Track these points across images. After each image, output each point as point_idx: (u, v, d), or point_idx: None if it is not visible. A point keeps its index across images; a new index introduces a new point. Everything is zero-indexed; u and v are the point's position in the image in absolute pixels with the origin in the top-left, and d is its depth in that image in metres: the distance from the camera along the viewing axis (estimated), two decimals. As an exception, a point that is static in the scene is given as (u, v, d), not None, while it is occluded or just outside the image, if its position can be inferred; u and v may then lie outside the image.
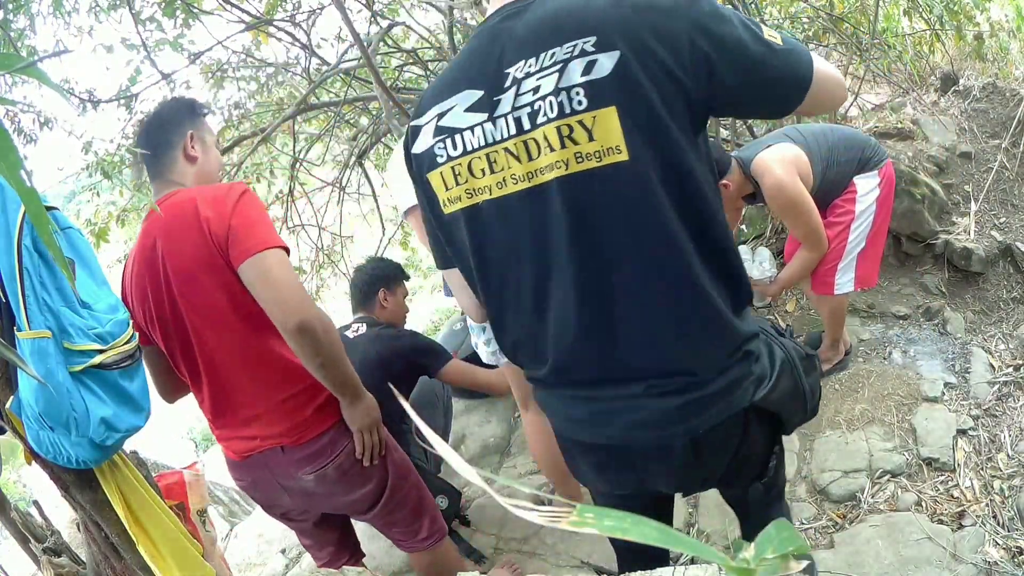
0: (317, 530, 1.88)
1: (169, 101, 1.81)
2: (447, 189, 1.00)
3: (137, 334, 1.49)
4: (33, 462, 1.49)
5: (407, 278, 2.63)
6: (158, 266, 1.53)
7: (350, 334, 2.35)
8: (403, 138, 1.08)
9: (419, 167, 1.03)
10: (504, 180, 0.94)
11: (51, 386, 1.29)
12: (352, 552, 1.98)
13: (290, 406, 1.59)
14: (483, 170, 0.95)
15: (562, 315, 0.98)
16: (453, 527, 2.45)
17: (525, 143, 0.91)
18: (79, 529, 1.66)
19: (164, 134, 1.59)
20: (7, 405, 1.38)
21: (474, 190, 0.97)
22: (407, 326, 2.60)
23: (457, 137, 0.95)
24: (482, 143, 0.94)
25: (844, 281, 2.56)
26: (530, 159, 0.91)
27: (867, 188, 2.44)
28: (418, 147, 1.01)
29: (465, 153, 0.95)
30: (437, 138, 0.97)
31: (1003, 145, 3.41)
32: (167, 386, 1.74)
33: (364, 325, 2.37)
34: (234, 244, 1.44)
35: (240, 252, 1.44)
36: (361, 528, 2.62)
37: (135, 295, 1.60)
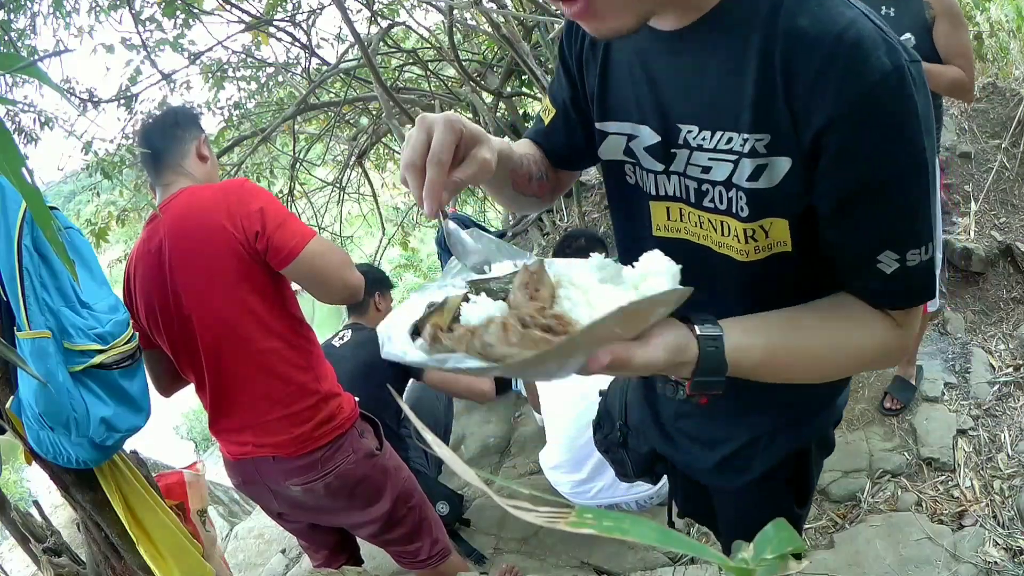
0: (311, 532, 1.87)
1: (177, 107, 1.87)
2: None
3: (137, 334, 1.49)
4: (33, 462, 1.49)
5: (392, 287, 2.68)
6: (164, 269, 1.52)
7: (336, 342, 2.35)
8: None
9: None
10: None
11: (51, 386, 1.29)
12: (349, 556, 1.97)
13: (289, 422, 1.57)
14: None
15: None
16: (453, 527, 2.45)
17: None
18: (79, 529, 1.66)
19: (178, 129, 1.63)
20: (7, 405, 1.38)
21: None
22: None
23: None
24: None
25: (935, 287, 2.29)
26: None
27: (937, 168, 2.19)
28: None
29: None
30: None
31: (1003, 145, 3.41)
32: (164, 382, 1.74)
33: (350, 332, 2.37)
34: (273, 252, 1.48)
35: (283, 258, 1.48)
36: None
37: (139, 296, 1.59)
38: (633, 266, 0.65)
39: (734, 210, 0.76)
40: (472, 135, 0.71)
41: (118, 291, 1.59)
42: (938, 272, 0.75)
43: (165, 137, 1.61)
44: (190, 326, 1.54)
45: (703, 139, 0.75)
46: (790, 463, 1.01)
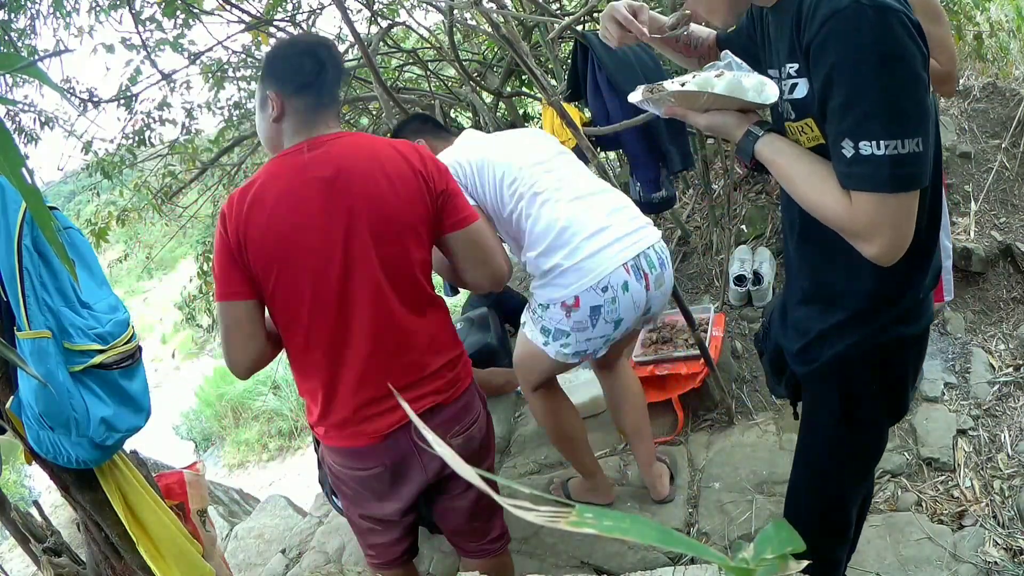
0: (407, 515, 1.64)
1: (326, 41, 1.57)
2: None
3: (137, 334, 1.49)
4: (33, 462, 1.49)
5: None
6: (340, 210, 1.34)
7: None
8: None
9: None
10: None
11: (51, 386, 1.29)
12: (412, 543, 1.77)
13: (447, 368, 1.52)
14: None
15: None
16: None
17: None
18: (79, 529, 1.66)
19: (340, 83, 1.49)
20: (7, 405, 1.38)
21: None
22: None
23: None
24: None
25: (948, 279, 2.27)
26: None
27: None
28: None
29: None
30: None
31: (1003, 145, 3.41)
32: (258, 351, 1.41)
33: None
34: (450, 211, 1.47)
35: (457, 221, 1.48)
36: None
37: (269, 238, 1.34)
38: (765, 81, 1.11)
39: (787, 116, 1.12)
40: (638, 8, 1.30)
41: (119, 291, 1.58)
42: (893, 171, 0.95)
43: (333, 79, 1.43)
44: (350, 280, 1.37)
45: (782, 73, 1.10)
46: (843, 372, 1.22)
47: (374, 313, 1.39)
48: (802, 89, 1.05)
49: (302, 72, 1.38)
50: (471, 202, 1.69)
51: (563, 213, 1.85)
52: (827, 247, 1.14)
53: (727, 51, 1.19)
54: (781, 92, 1.12)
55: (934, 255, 1.18)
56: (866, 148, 0.94)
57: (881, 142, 0.93)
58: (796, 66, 1.05)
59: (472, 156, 1.89)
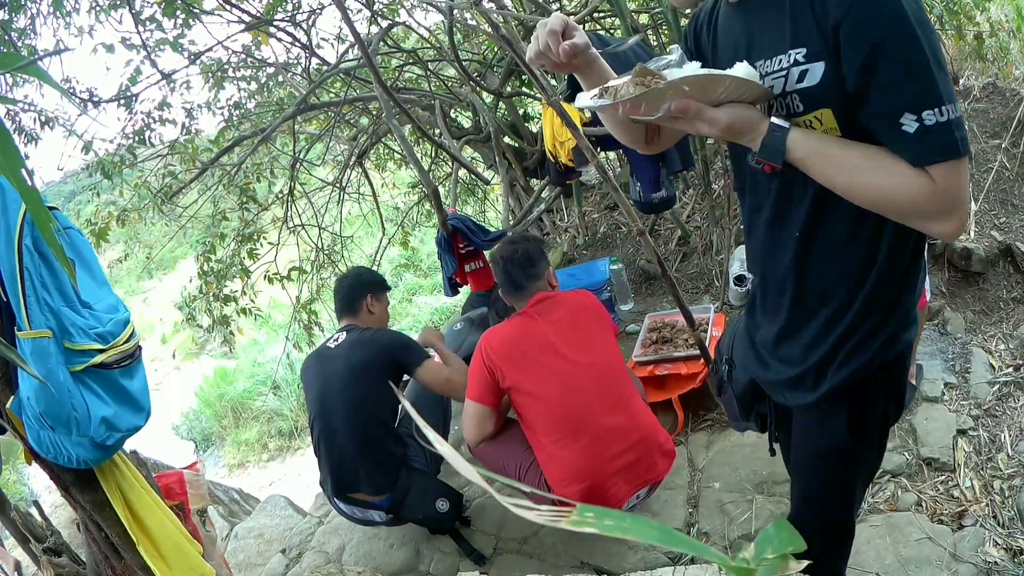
0: None
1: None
2: None
3: (137, 333, 1.48)
4: (33, 462, 1.49)
5: (389, 289, 2.66)
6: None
7: (331, 344, 2.36)
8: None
9: None
10: None
11: (52, 386, 1.29)
12: None
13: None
14: None
15: None
16: (453, 527, 2.45)
17: None
18: (79, 529, 1.66)
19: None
20: (7, 405, 1.38)
21: None
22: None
23: None
24: None
25: (925, 282, 2.39)
26: None
27: None
28: None
29: None
30: None
31: (1003, 145, 3.41)
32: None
33: (344, 333, 2.37)
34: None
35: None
36: (360, 529, 2.62)
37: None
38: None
39: (792, 110, 1.01)
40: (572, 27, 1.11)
41: (119, 291, 1.58)
42: (958, 135, 0.91)
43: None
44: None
45: (768, 67, 1.01)
46: (854, 391, 1.14)
47: None
48: (815, 75, 0.96)
49: None
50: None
51: None
52: (834, 255, 1.07)
53: (676, 46, 1.11)
54: (784, 83, 1.02)
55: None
56: (930, 117, 0.90)
57: (943, 108, 0.90)
58: (804, 51, 0.96)
59: None
